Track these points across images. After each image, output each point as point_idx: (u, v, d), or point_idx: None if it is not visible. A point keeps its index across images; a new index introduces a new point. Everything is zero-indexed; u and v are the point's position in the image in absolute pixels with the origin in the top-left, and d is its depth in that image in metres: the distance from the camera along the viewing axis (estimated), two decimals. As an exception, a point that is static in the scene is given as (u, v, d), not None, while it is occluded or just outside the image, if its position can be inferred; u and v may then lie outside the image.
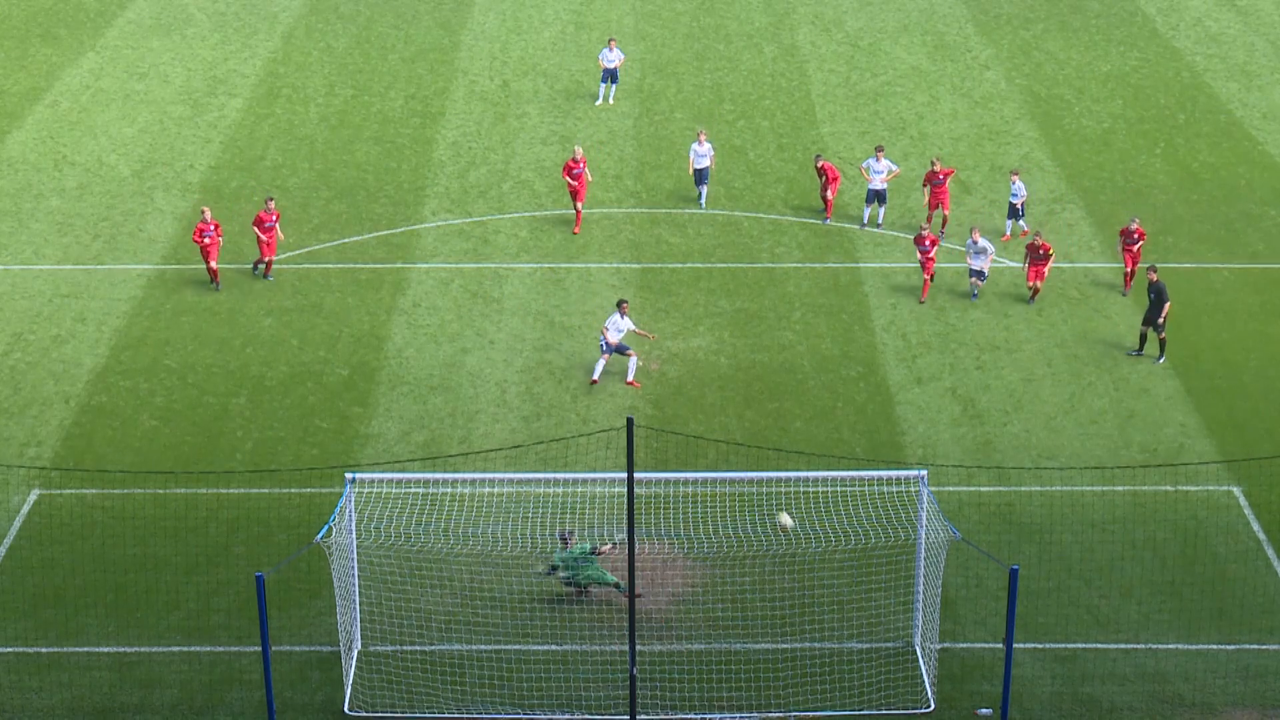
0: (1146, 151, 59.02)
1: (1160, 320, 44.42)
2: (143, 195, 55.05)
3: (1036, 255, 47.24)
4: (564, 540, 35.51)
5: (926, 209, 52.05)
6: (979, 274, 47.61)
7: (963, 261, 48.89)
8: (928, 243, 47.65)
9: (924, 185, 51.90)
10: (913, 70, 66.60)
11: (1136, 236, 47.91)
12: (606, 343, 43.63)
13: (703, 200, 54.16)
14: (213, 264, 48.32)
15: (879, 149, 52.52)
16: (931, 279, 47.99)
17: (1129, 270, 48.14)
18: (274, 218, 48.75)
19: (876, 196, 52.49)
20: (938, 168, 51.47)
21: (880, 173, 52.24)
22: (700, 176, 53.99)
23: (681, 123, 61.38)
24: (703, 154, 53.76)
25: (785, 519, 35.16)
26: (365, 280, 49.47)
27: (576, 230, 51.96)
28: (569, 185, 52.16)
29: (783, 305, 48.08)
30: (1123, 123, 61.58)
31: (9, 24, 71.83)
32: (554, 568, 35.40)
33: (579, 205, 52.12)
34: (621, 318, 43.74)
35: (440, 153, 58.77)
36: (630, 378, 43.81)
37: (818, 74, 66.32)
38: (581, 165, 51.90)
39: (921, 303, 47.79)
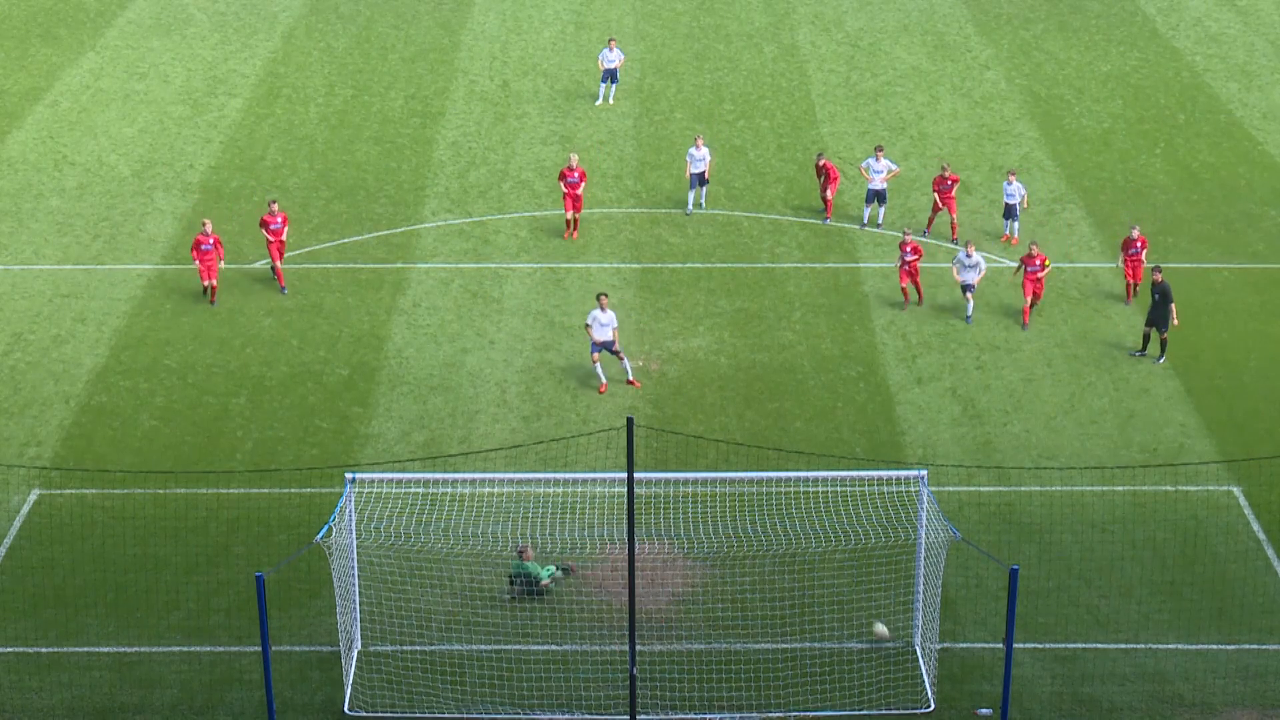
0: (1146, 151, 59.02)
1: (1175, 322, 44.41)
2: (143, 195, 55.04)
3: (1033, 265, 46.74)
4: (520, 553, 35.52)
5: (930, 211, 52.04)
6: (969, 288, 47.16)
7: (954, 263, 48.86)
8: (908, 249, 47.29)
9: (934, 190, 51.76)
10: (913, 70, 66.59)
11: (1139, 246, 47.71)
12: (594, 342, 43.43)
13: (692, 205, 53.83)
14: (213, 282, 47.57)
15: (879, 149, 52.50)
16: (908, 283, 47.55)
17: (1132, 282, 47.95)
18: (278, 220, 48.52)
19: (876, 196, 52.47)
20: (947, 173, 51.39)
21: (880, 172, 52.20)
22: (697, 180, 53.83)
23: (681, 123, 61.37)
24: (699, 158, 53.61)
25: (881, 629, 34.78)
26: (365, 280, 49.46)
27: (576, 237, 51.69)
28: (563, 193, 51.77)
29: (783, 305, 48.07)
30: (1123, 123, 61.57)
31: (9, 24, 71.83)
32: (511, 579, 35.43)
33: (571, 215, 51.50)
34: (602, 311, 43.39)
35: (440, 153, 58.77)
36: (630, 377, 43.79)
37: (818, 74, 66.31)
38: (577, 175, 51.52)
39: (919, 305, 47.77)
